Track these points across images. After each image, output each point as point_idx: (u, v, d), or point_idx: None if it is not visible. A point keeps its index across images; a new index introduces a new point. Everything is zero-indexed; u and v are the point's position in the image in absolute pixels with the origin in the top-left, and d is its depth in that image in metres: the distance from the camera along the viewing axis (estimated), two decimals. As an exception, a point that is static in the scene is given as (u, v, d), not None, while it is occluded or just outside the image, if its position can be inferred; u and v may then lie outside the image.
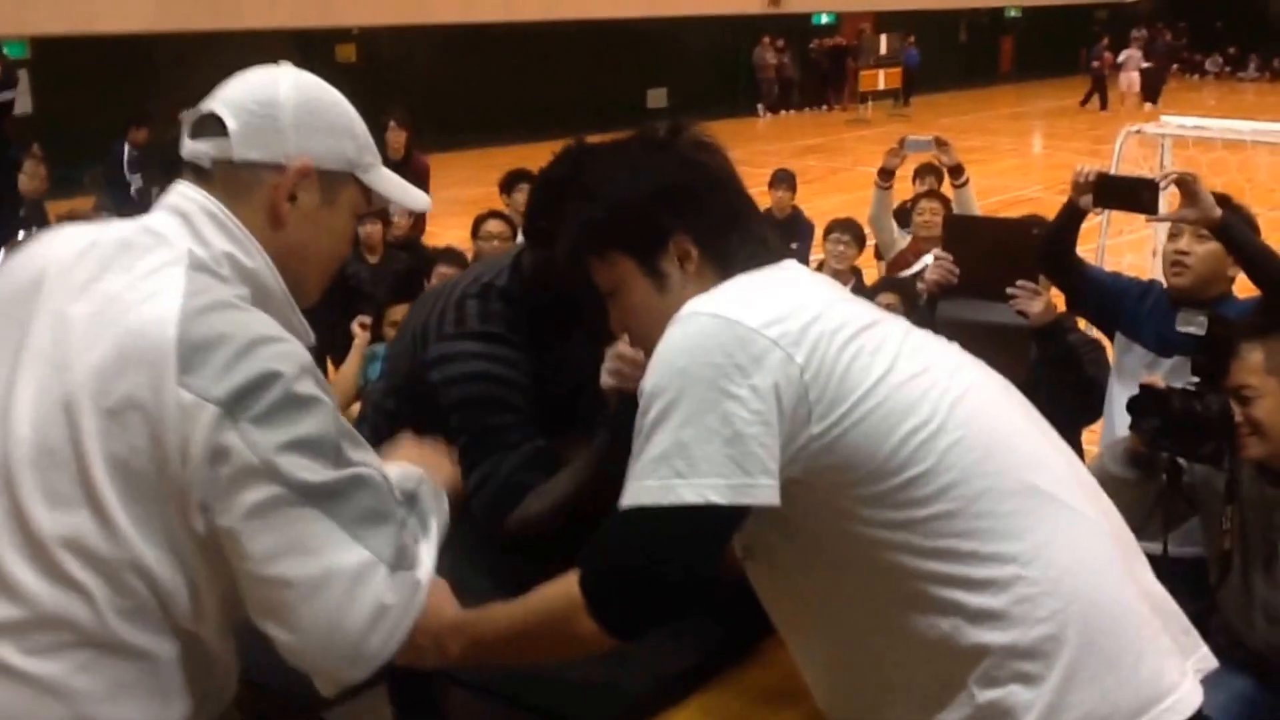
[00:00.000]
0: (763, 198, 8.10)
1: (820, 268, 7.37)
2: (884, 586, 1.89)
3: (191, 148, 1.95)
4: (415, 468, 2.08)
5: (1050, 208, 4.74)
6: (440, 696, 2.27)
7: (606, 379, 2.43)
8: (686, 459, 1.83)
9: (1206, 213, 3.83)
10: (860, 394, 1.87)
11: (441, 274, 7.18)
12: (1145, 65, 33.57)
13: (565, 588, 1.93)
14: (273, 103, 1.94)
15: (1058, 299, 4.59)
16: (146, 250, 1.86)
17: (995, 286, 4.41)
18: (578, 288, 2.68)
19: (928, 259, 6.13)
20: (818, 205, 13.19)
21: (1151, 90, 33.27)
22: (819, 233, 8.82)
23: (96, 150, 15.35)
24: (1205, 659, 2.02)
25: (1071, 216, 4.31)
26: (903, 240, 7.49)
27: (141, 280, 1.82)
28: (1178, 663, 1.96)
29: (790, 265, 2.09)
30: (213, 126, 1.94)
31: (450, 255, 7.50)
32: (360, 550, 1.78)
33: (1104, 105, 33.09)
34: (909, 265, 7.02)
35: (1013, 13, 40.66)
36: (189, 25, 20.53)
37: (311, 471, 1.75)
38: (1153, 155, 8.61)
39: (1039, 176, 20.55)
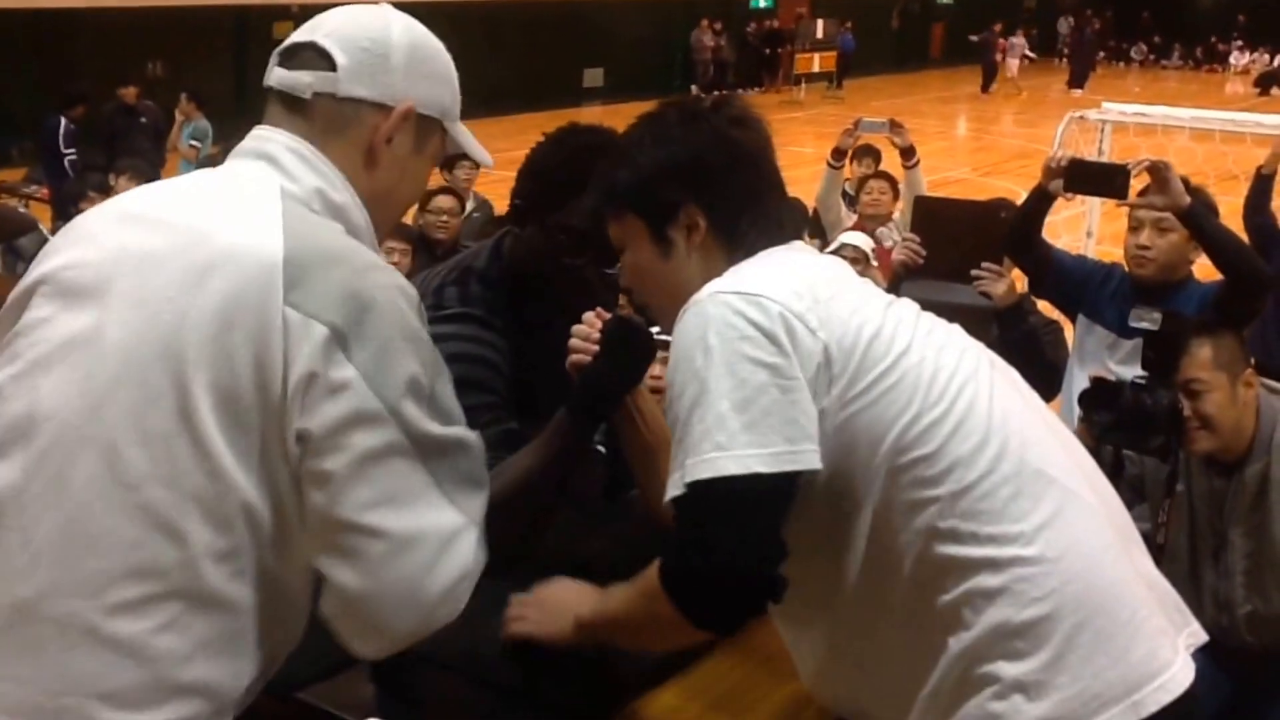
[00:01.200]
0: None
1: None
2: (885, 567, 1.91)
3: (289, 78, 1.90)
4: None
5: (977, 189, 4.80)
6: (419, 677, 2.26)
7: (569, 358, 2.43)
8: (726, 432, 1.83)
9: (1176, 200, 3.88)
10: (876, 374, 1.89)
11: (390, 249, 7.16)
12: (1028, 55, 34.68)
13: (652, 574, 1.93)
14: (385, 42, 1.90)
15: (1019, 280, 4.65)
16: (235, 188, 1.83)
17: (960, 268, 4.44)
18: (559, 273, 2.71)
19: (850, 236, 6.13)
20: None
21: (1079, 77, 33.89)
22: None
23: (23, 123, 15.12)
24: (1196, 634, 2.04)
25: (1041, 200, 4.35)
26: (849, 219, 7.52)
27: (235, 210, 1.77)
28: (1170, 641, 1.97)
29: (801, 246, 2.12)
30: (315, 58, 1.89)
31: (399, 230, 7.39)
32: (455, 513, 1.76)
33: (986, 88, 33.73)
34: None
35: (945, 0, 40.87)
36: None
37: (427, 423, 1.72)
38: (1091, 141, 8.68)
39: (966, 159, 20.72)
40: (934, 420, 1.89)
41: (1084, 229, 8.68)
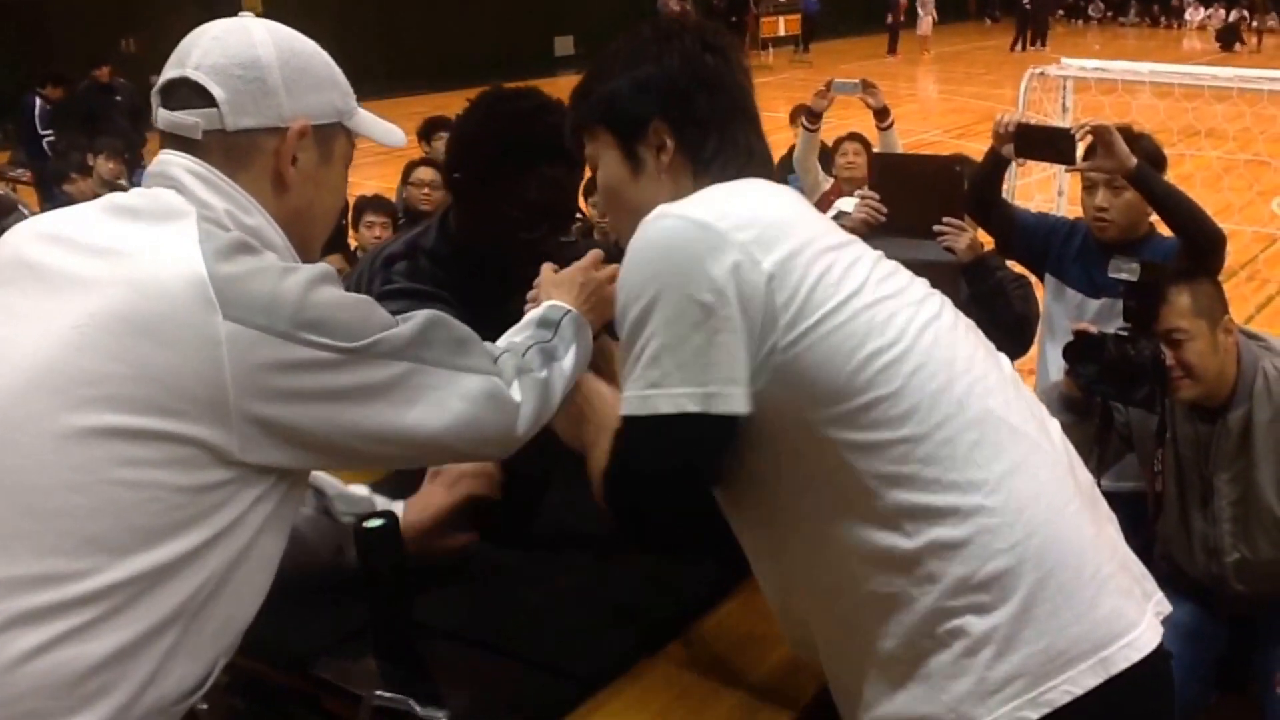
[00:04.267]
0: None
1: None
2: (847, 510, 1.88)
3: (173, 119, 1.88)
4: (561, 304, 2.22)
5: (948, 150, 4.78)
6: (423, 646, 2.27)
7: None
8: (660, 369, 1.87)
9: (1122, 162, 3.87)
10: (827, 309, 1.87)
11: (370, 222, 7.14)
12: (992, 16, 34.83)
13: (602, 465, 2.02)
14: (257, 63, 1.87)
15: (984, 236, 4.66)
16: (150, 212, 1.81)
17: (922, 224, 4.46)
18: (515, 248, 2.70)
19: (845, 202, 6.17)
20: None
21: (1039, 34, 34.30)
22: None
23: (4, 105, 15.00)
24: (1162, 603, 2.03)
25: (995, 164, 4.35)
26: (825, 183, 7.51)
27: (152, 234, 1.77)
28: (1137, 604, 1.96)
29: (765, 180, 2.09)
30: (194, 96, 1.87)
31: (378, 203, 7.44)
32: (471, 377, 1.91)
33: (892, 50, 33.65)
34: (831, 206, 7.04)
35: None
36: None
37: (387, 340, 1.81)
38: (1055, 99, 8.71)
39: (937, 121, 20.67)
40: (892, 360, 1.86)
41: (1054, 188, 8.72)
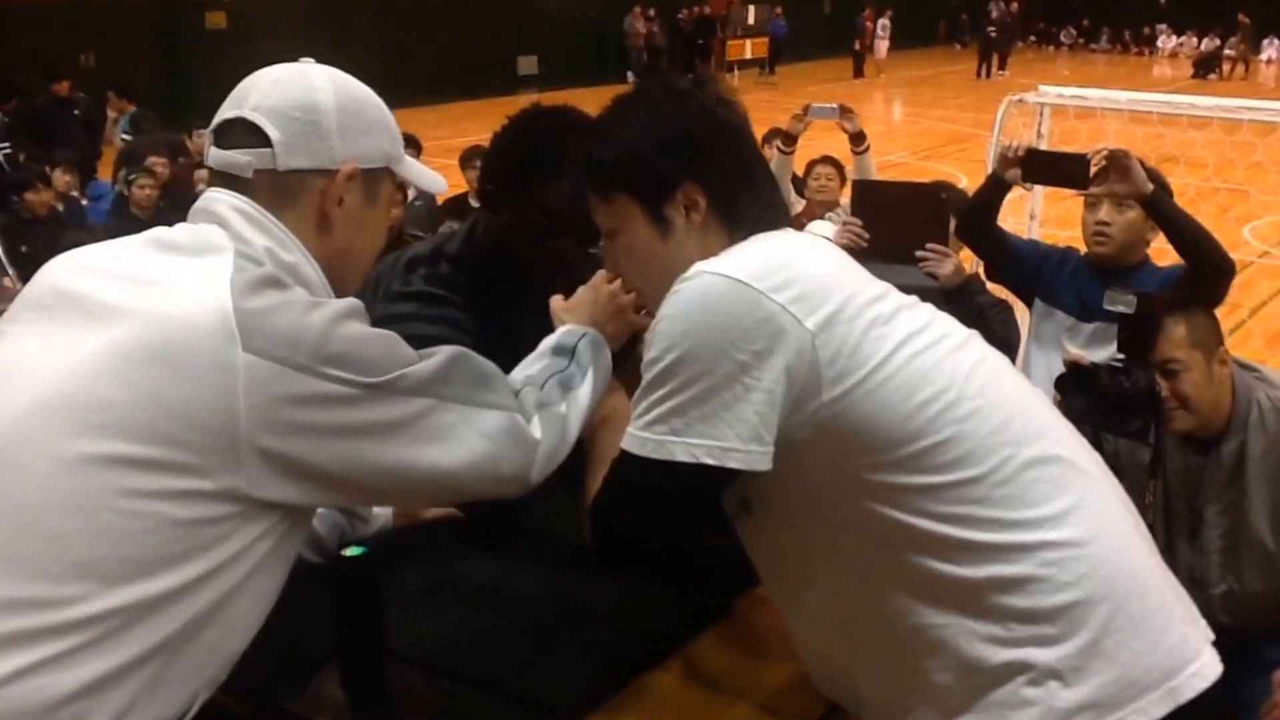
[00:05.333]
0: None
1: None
2: (892, 547, 1.86)
3: (225, 158, 1.89)
4: (579, 325, 2.21)
5: (915, 172, 4.80)
6: (392, 676, 2.20)
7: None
8: (683, 418, 1.86)
9: (1139, 187, 3.85)
10: (875, 363, 1.85)
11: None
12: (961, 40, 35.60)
13: (597, 491, 2.03)
14: (314, 108, 1.90)
15: (966, 261, 4.65)
16: (190, 246, 1.82)
17: (904, 249, 4.43)
18: (541, 256, 2.71)
19: (818, 225, 6.13)
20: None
21: (1001, 58, 34.78)
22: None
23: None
24: (1207, 630, 2.01)
25: (996, 189, 4.34)
26: (798, 205, 7.48)
27: (187, 266, 1.77)
28: (1199, 631, 1.96)
29: (794, 231, 2.08)
30: (248, 135, 1.88)
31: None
32: (489, 413, 1.89)
33: (858, 73, 33.98)
34: (802, 229, 7.01)
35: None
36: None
37: (409, 375, 1.79)
38: (1030, 125, 8.68)
39: (903, 143, 20.77)
40: (944, 406, 1.85)
41: (1027, 212, 8.69)
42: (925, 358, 1.89)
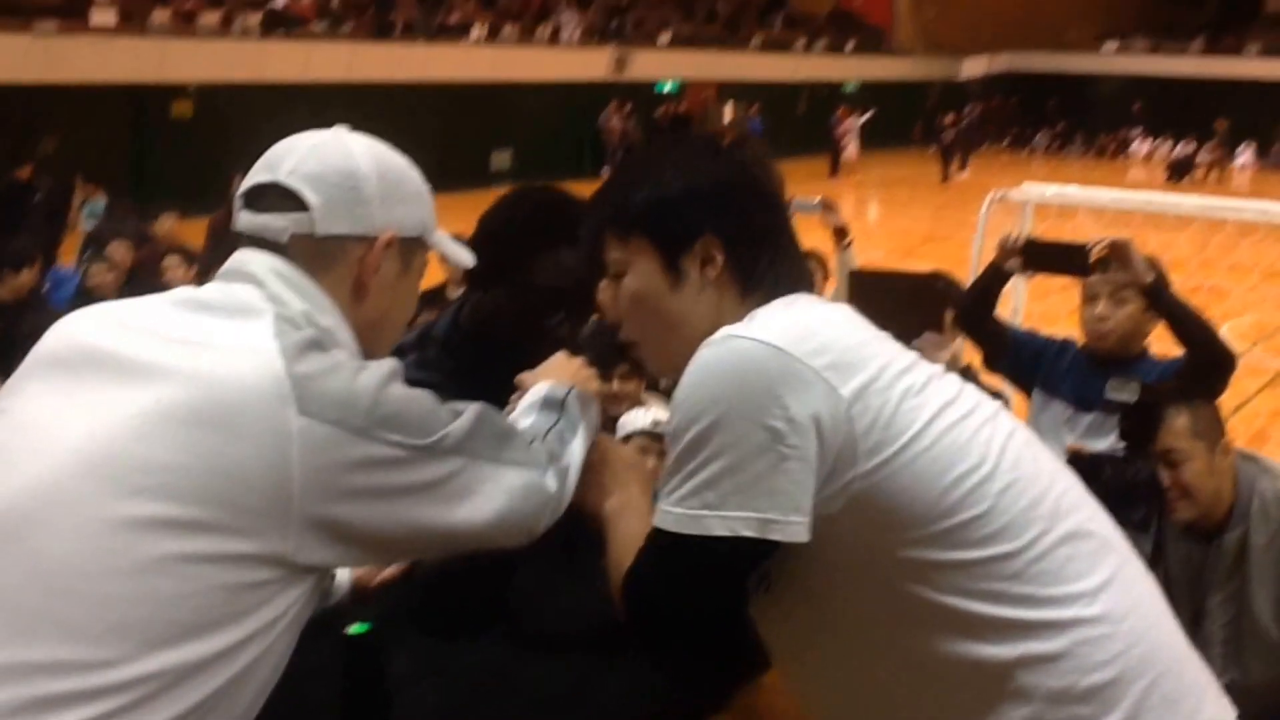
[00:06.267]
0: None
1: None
2: (921, 627, 1.80)
3: (260, 222, 1.86)
4: (562, 382, 2.17)
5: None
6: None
7: None
8: (717, 492, 1.78)
9: (1140, 276, 3.85)
10: (911, 434, 1.79)
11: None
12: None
13: (625, 570, 1.95)
14: (355, 174, 1.88)
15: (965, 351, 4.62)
16: (225, 306, 1.78)
17: (901, 339, 4.39)
18: (534, 334, 2.67)
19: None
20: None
21: (963, 159, 35.23)
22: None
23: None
24: (1230, 709, 1.96)
25: (995, 279, 4.33)
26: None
27: (229, 327, 1.74)
28: (1223, 710, 1.91)
29: (819, 298, 2.01)
30: (284, 200, 1.85)
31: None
32: (512, 470, 1.87)
33: (833, 172, 34.11)
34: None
35: (850, 87, 41.42)
36: (19, 77, 19.95)
37: (450, 435, 1.78)
38: (1015, 224, 8.71)
39: (880, 242, 20.84)
40: (980, 480, 1.80)
41: (1010, 307, 8.72)
42: (960, 430, 1.84)
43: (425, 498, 1.75)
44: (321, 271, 1.85)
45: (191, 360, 1.68)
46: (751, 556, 1.83)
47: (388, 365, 1.78)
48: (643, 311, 2.02)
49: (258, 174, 1.89)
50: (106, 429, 1.63)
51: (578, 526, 2.69)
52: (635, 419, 3.49)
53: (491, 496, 1.83)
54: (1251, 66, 42.54)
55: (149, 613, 1.57)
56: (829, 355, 1.80)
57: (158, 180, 19.19)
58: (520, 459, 1.90)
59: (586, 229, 2.11)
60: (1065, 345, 4.47)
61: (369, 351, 1.90)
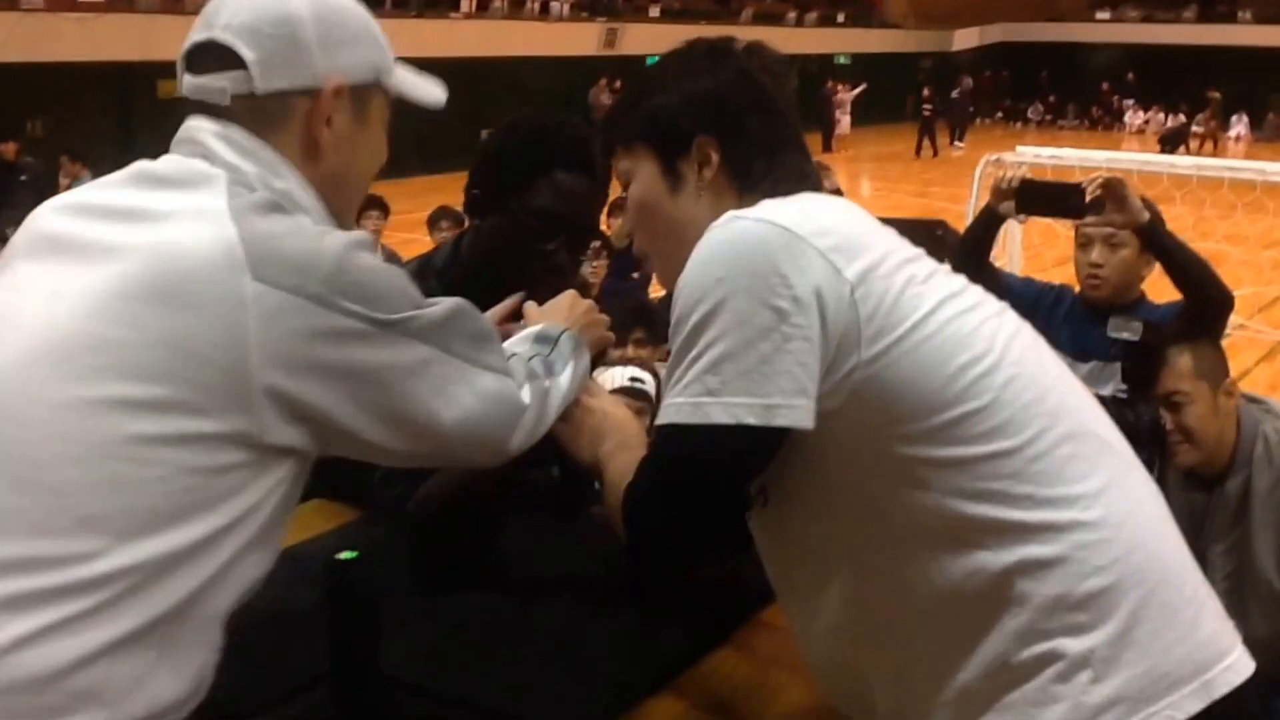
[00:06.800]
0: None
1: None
2: (919, 532, 1.73)
3: (199, 84, 1.75)
4: (559, 324, 2.08)
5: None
6: (389, 700, 2.07)
7: None
8: (719, 376, 1.70)
9: (1135, 216, 3.74)
10: (914, 321, 1.72)
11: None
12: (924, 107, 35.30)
13: (624, 490, 1.85)
14: (289, 20, 1.73)
15: None
16: (177, 178, 1.68)
17: None
18: (531, 260, 2.65)
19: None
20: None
21: (960, 132, 35.46)
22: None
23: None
24: (1235, 631, 1.88)
25: (989, 223, 4.23)
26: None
27: (179, 198, 1.64)
28: (1226, 627, 1.83)
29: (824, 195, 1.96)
30: (219, 58, 1.73)
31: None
32: (487, 375, 1.77)
33: (827, 147, 33.94)
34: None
35: (842, 59, 41.34)
36: (5, 56, 19.74)
37: (419, 319, 1.68)
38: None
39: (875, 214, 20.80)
40: (984, 371, 1.72)
41: (1008, 253, 8.66)
42: (964, 321, 1.76)
43: (387, 382, 1.65)
44: (270, 132, 1.73)
45: (142, 234, 1.59)
46: (757, 448, 1.74)
47: (355, 235, 1.67)
48: (646, 218, 2.01)
49: (195, 32, 1.78)
50: (60, 312, 1.56)
51: (568, 482, 2.66)
52: (614, 376, 3.42)
53: (459, 396, 1.73)
54: (1245, 33, 42.44)
55: (114, 501, 1.50)
56: (833, 238, 1.74)
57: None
58: (495, 365, 1.81)
59: (600, 145, 2.11)
60: (1062, 292, 4.37)
61: (335, 210, 1.80)
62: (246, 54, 1.72)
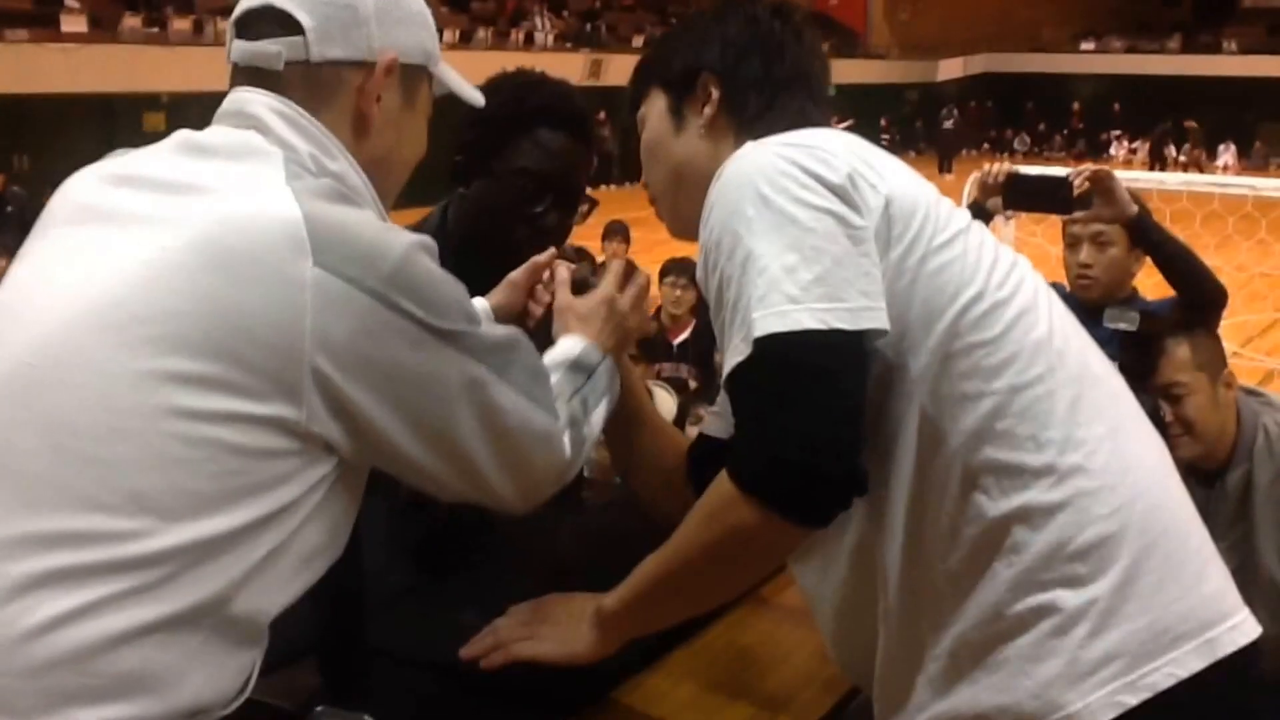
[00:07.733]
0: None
1: (658, 314, 7.20)
2: (922, 477, 1.67)
3: (252, 49, 1.69)
4: (596, 346, 1.97)
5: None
6: (374, 669, 2.05)
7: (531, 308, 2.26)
8: (797, 283, 1.60)
9: (1123, 210, 3.68)
10: (940, 241, 1.69)
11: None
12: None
13: (715, 489, 1.67)
14: None
15: None
16: (229, 149, 1.62)
17: None
18: (520, 223, 2.62)
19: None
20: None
21: (946, 162, 36.02)
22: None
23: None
24: (1239, 599, 1.81)
25: (977, 219, 4.13)
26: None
27: (236, 170, 1.58)
28: (1232, 590, 1.76)
29: None
30: (275, 24, 1.68)
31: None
32: (539, 413, 1.68)
33: None
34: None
35: (828, 91, 41.43)
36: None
37: (475, 335, 1.60)
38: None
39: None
40: (998, 302, 1.68)
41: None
42: (980, 253, 1.73)
43: (430, 391, 1.57)
44: (322, 107, 1.68)
45: (197, 205, 1.52)
46: (853, 357, 1.60)
47: (423, 237, 1.60)
48: (653, 160, 2.03)
49: (247, 1, 1.73)
50: (106, 279, 1.49)
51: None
52: None
53: (506, 430, 1.64)
54: (1230, 64, 42.54)
55: (162, 479, 1.43)
56: (860, 158, 1.73)
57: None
58: (547, 404, 1.72)
59: (629, 98, 2.10)
60: (1053, 289, 4.29)
61: (378, 194, 1.75)
62: (304, 19, 1.67)
